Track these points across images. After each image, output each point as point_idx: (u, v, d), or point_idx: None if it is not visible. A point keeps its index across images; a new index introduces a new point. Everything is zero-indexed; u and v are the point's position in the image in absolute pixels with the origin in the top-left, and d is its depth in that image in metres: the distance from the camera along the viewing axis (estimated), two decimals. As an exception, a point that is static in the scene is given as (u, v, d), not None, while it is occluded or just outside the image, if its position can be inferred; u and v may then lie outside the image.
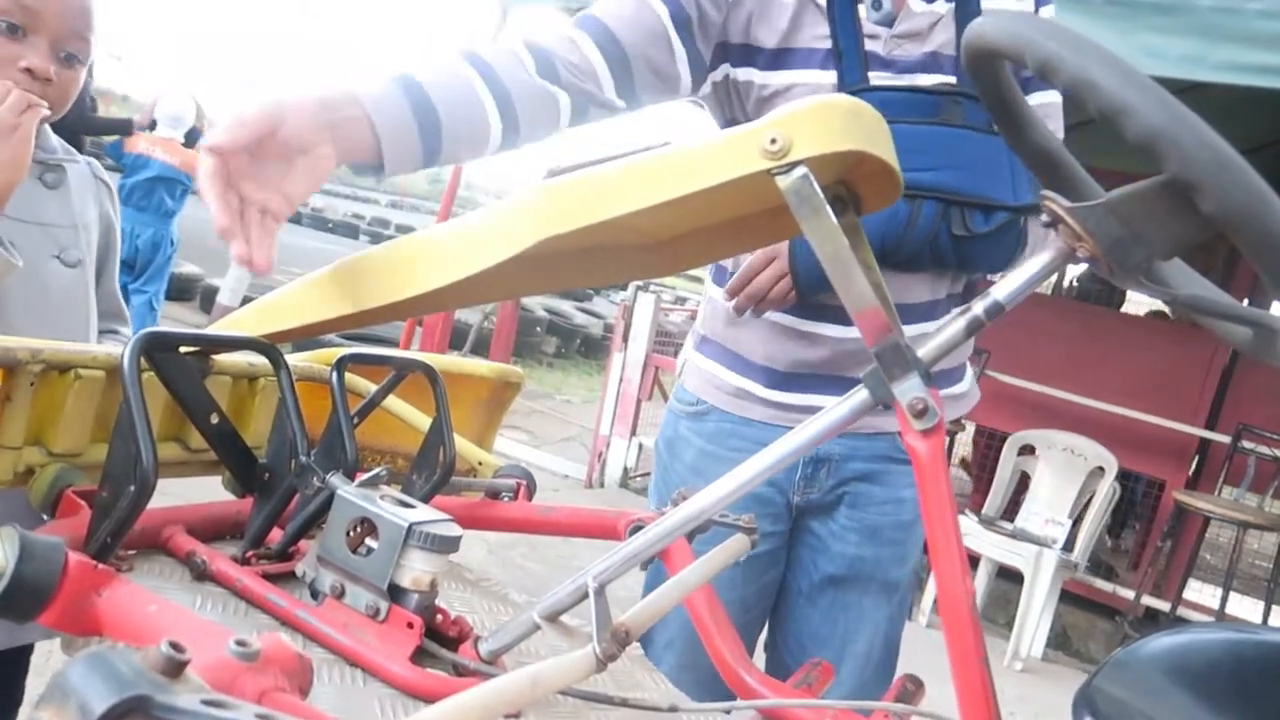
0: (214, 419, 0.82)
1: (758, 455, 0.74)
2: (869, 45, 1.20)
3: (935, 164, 1.16)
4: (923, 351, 0.70)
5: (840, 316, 1.26)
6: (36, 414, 0.81)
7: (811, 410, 1.26)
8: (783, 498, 1.37)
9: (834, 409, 0.72)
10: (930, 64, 1.20)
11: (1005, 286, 0.70)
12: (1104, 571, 4.60)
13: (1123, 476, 4.21)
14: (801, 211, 0.64)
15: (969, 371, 1.43)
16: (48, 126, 1.15)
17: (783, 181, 0.63)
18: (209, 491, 0.98)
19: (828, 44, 1.19)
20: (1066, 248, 0.67)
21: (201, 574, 0.82)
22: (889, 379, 0.69)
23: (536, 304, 9.35)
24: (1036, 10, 1.25)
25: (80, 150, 1.26)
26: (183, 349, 0.80)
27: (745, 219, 0.81)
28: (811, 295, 1.24)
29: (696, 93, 1.28)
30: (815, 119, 0.63)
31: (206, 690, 0.45)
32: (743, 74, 1.24)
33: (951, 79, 1.20)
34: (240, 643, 0.51)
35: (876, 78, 1.19)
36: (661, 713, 0.80)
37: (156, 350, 0.75)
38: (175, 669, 0.44)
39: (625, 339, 5.32)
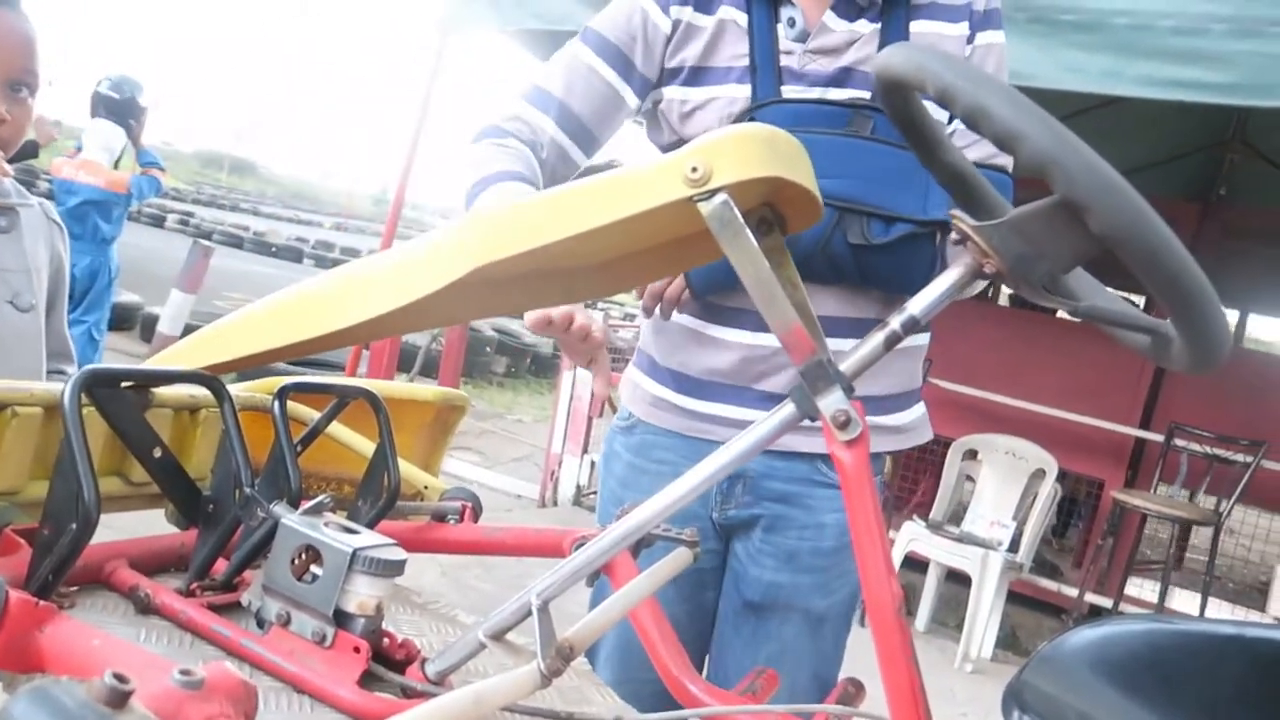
0: (157, 453, 0.83)
1: (692, 470, 0.76)
2: (784, 60, 1.23)
3: (834, 172, 1.15)
4: (844, 366, 0.74)
5: (745, 321, 1.27)
6: (-28, 453, 0.81)
7: (722, 421, 1.30)
8: (705, 513, 1.35)
9: (762, 423, 0.75)
10: (843, 78, 1.23)
11: (919, 301, 0.73)
12: (1049, 571, 4.70)
13: (1063, 477, 4.32)
14: (723, 236, 0.67)
15: (920, 407, 1.39)
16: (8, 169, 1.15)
17: (704, 208, 0.66)
18: (151, 525, 0.98)
19: (745, 61, 1.24)
20: (974, 263, 0.71)
21: (146, 608, 0.82)
22: (813, 393, 0.72)
23: (485, 324, 9.32)
24: (973, 36, 1.26)
25: None
26: (125, 384, 0.80)
27: (679, 241, 0.84)
28: (704, 292, 1.28)
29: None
30: (733, 148, 0.66)
31: (151, 717, 0.47)
32: (668, 93, 1.30)
33: (865, 94, 1.22)
34: (184, 672, 0.52)
35: (789, 91, 1.23)
36: (607, 724, 0.82)
37: (97, 386, 0.75)
38: (119, 700, 0.46)
39: (574, 357, 5.33)
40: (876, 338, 0.73)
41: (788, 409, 0.74)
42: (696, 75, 1.27)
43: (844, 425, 0.71)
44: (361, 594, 0.78)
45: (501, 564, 3.75)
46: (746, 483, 1.32)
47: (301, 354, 0.87)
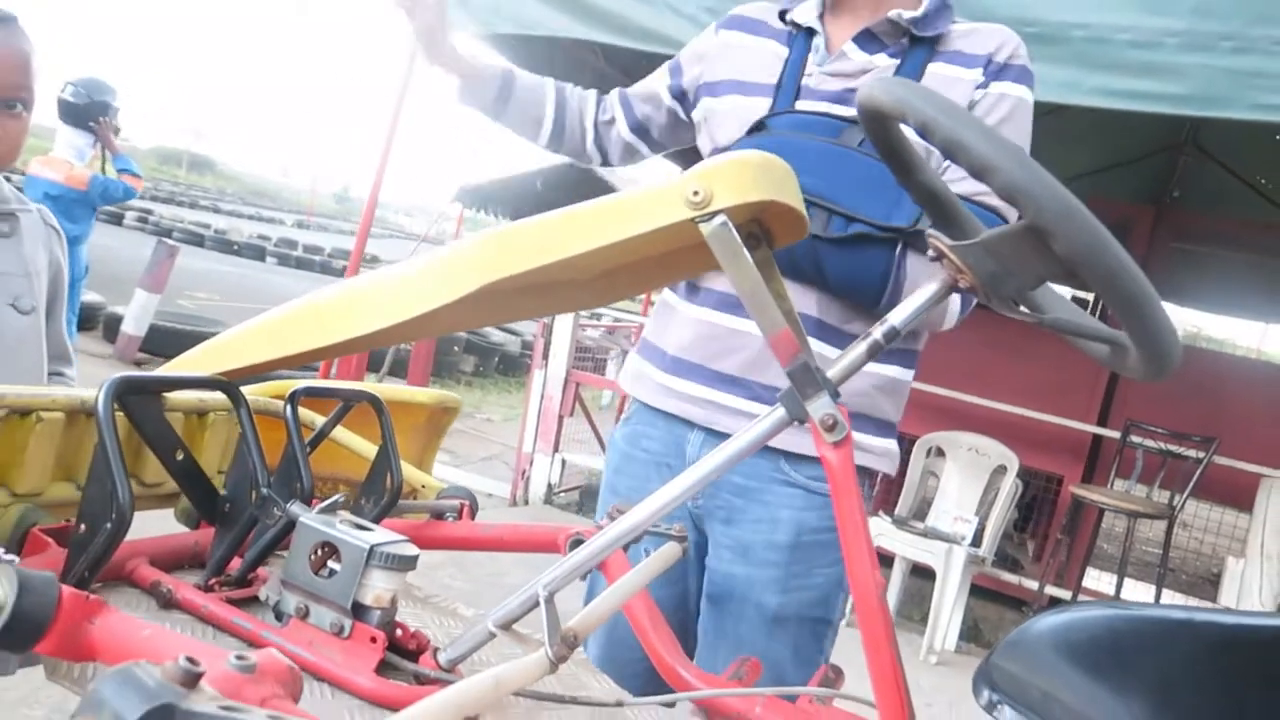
0: (178, 455, 0.87)
1: (686, 471, 0.82)
2: (803, 80, 1.36)
3: (808, 169, 1.19)
4: (831, 372, 0.80)
5: (708, 299, 1.37)
6: (0, 457, 0.85)
7: (692, 399, 1.37)
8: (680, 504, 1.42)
9: (755, 424, 0.81)
10: (846, 98, 1.32)
11: (899, 313, 0.80)
12: (1010, 564, 4.83)
13: (1025, 473, 4.44)
14: (722, 254, 0.73)
15: (893, 444, 1.43)
16: (1, 178, 1.17)
17: (705, 228, 0.72)
18: (154, 525, 1.01)
19: (774, 79, 1.37)
20: (950, 279, 0.77)
21: (168, 602, 0.86)
22: (802, 398, 0.78)
23: (453, 323, 9.33)
24: (986, 84, 1.32)
25: None
26: (150, 391, 0.84)
27: (674, 253, 0.89)
28: None
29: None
30: (732, 173, 0.72)
31: (220, 698, 0.52)
32: (703, 105, 1.47)
33: None
34: (240, 657, 0.57)
35: (801, 104, 1.34)
36: (609, 707, 0.87)
37: (127, 394, 0.80)
38: (192, 680, 0.51)
39: (545, 356, 5.37)
40: (860, 348, 0.80)
41: (779, 412, 0.80)
42: (726, 87, 1.42)
43: (831, 428, 0.77)
44: (378, 587, 0.83)
45: (475, 562, 3.78)
46: None
47: (316, 359, 0.91)
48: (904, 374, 1.40)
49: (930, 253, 0.77)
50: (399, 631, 0.88)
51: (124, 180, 4.63)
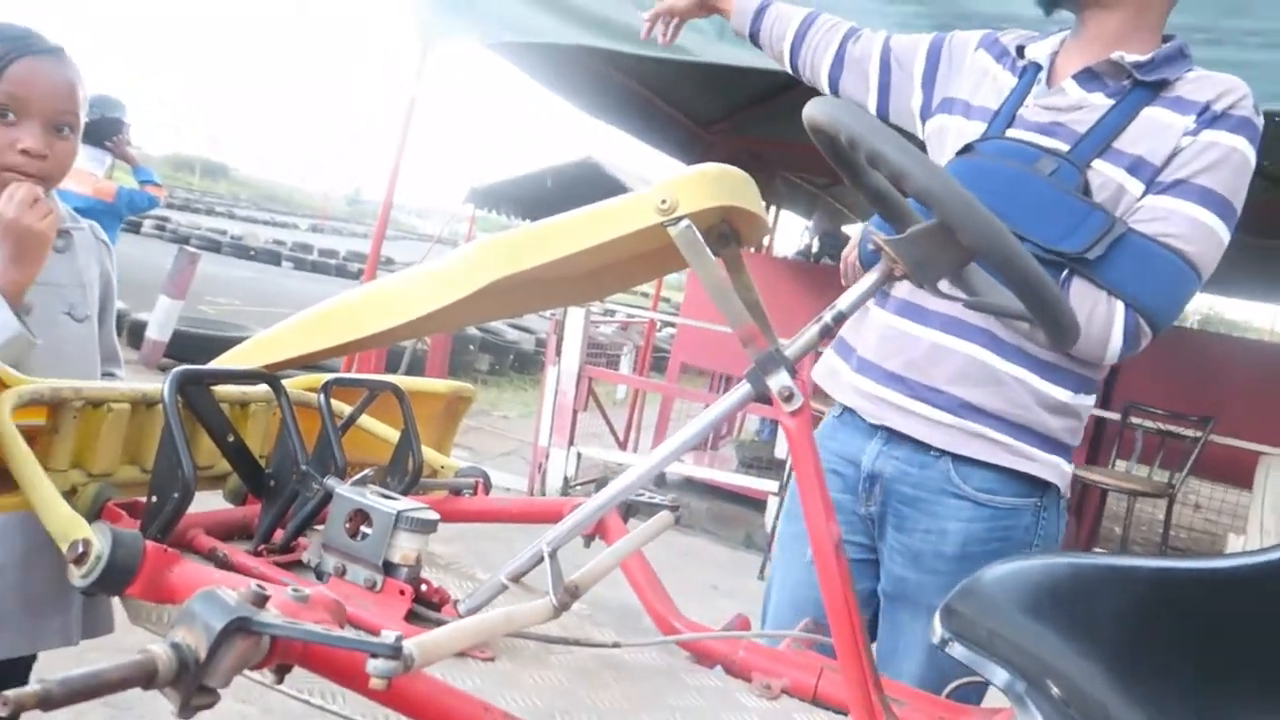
0: (230, 438, 1.00)
1: (666, 441, 0.95)
2: (1020, 110, 1.40)
3: (992, 192, 1.21)
4: (789, 351, 0.92)
5: (891, 305, 1.41)
6: (78, 442, 0.99)
7: (866, 395, 1.43)
8: (851, 508, 1.46)
9: (725, 398, 0.94)
10: (1050, 129, 1.35)
11: (846, 298, 0.92)
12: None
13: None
14: (688, 253, 0.85)
15: (1062, 457, 1.42)
16: (55, 195, 1.31)
17: (672, 231, 0.85)
18: (211, 504, 1.15)
19: (995, 104, 1.42)
20: (887, 267, 0.90)
21: (223, 565, 1.00)
22: (764, 374, 0.91)
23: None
24: (1197, 131, 1.30)
25: None
26: (204, 382, 0.98)
27: (654, 253, 1.02)
28: (870, 265, 1.51)
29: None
30: (693, 183, 0.85)
31: (282, 616, 0.65)
32: (937, 119, 1.54)
33: (1063, 145, 1.33)
34: (296, 590, 0.70)
35: (1011, 132, 1.38)
36: (606, 647, 1.00)
37: (186, 384, 0.93)
38: (261, 601, 0.64)
39: (558, 352, 5.50)
40: (812, 329, 0.92)
41: (745, 388, 0.93)
42: (951, 106, 1.49)
43: (788, 399, 0.89)
44: (404, 547, 0.97)
45: (491, 552, 3.93)
46: (881, 484, 1.43)
47: (347, 353, 1.05)
48: (1075, 398, 1.37)
49: (870, 245, 0.90)
50: (424, 587, 1.01)
51: (147, 190, 4.79)
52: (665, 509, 1.25)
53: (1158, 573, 1.11)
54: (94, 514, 0.98)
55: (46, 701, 0.51)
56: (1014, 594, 1.09)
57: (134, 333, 7.28)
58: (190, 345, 6.62)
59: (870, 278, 0.91)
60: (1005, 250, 0.73)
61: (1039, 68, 1.41)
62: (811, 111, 0.87)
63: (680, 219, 0.84)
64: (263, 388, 1.10)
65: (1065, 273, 1.29)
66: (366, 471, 1.02)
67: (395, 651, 0.63)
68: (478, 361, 9.50)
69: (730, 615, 1.24)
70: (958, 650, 1.03)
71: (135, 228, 19.15)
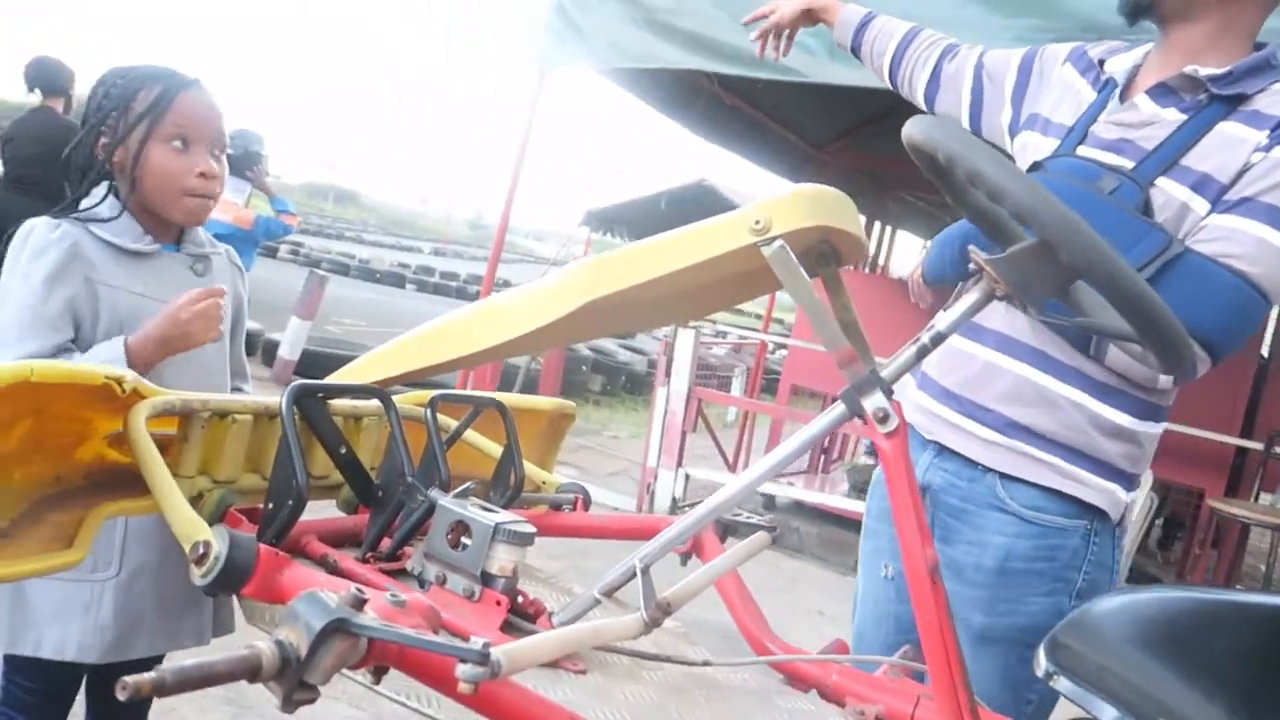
0: (342, 449, 1.05)
1: (759, 461, 0.95)
2: (1093, 127, 1.36)
3: None
4: (885, 373, 0.91)
5: (978, 335, 1.38)
6: (205, 451, 1.05)
7: (924, 411, 1.43)
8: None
9: (819, 419, 0.93)
10: (1116, 147, 1.31)
11: (946, 318, 0.91)
12: (1149, 584, 4.68)
13: (1162, 488, 4.30)
14: (781, 273, 0.86)
15: (1119, 484, 1.38)
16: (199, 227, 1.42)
17: (766, 251, 0.85)
18: (325, 513, 1.21)
19: (1072, 120, 1.39)
20: (989, 287, 0.88)
21: (333, 570, 1.04)
22: (860, 395, 0.90)
23: (581, 344, 9.63)
24: (1270, 147, 1.23)
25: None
26: (319, 396, 1.03)
27: (750, 272, 1.02)
28: (932, 280, 1.53)
29: None
30: (787, 204, 0.85)
31: (380, 619, 0.68)
32: (1022, 136, 1.49)
33: (1128, 163, 1.29)
34: (394, 595, 0.73)
35: (1081, 149, 1.35)
36: (696, 665, 1.00)
37: (303, 398, 0.98)
38: (359, 604, 0.67)
39: (667, 374, 5.53)
40: (910, 350, 0.91)
41: (839, 409, 0.92)
42: (1031, 121, 1.47)
43: (883, 420, 0.88)
44: (502, 559, 0.99)
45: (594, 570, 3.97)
46: (931, 496, 1.42)
47: (449, 370, 1.08)
48: (1135, 423, 1.33)
49: (971, 265, 0.88)
50: (520, 598, 1.04)
51: (282, 219, 5.09)
52: (763, 529, 1.24)
53: (1289, 612, 1.04)
54: (217, 518, 1.04)
55: (161, 689, 0.55)
56: (1126, 628, 1.04)
57: (267, 351, 7.68)
58: (318, 363, 6.93)
59: (971, 297, 0.89)
60: (1109, 269, 0.71)
61: (1116, 83, 1.37)
62: (910, 130, 0.86)
63: (774, 239, 0.85)
64: (374, 402, 1.15)
65: None
66: (468, 484, 1.05)
67: (483, 658, 0.65)
68: (590, 382, 9.62)
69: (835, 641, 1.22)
70: (1064, 684, 1.00)
71: (271, 252, 20.22)
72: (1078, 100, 1.41)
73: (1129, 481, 1.37)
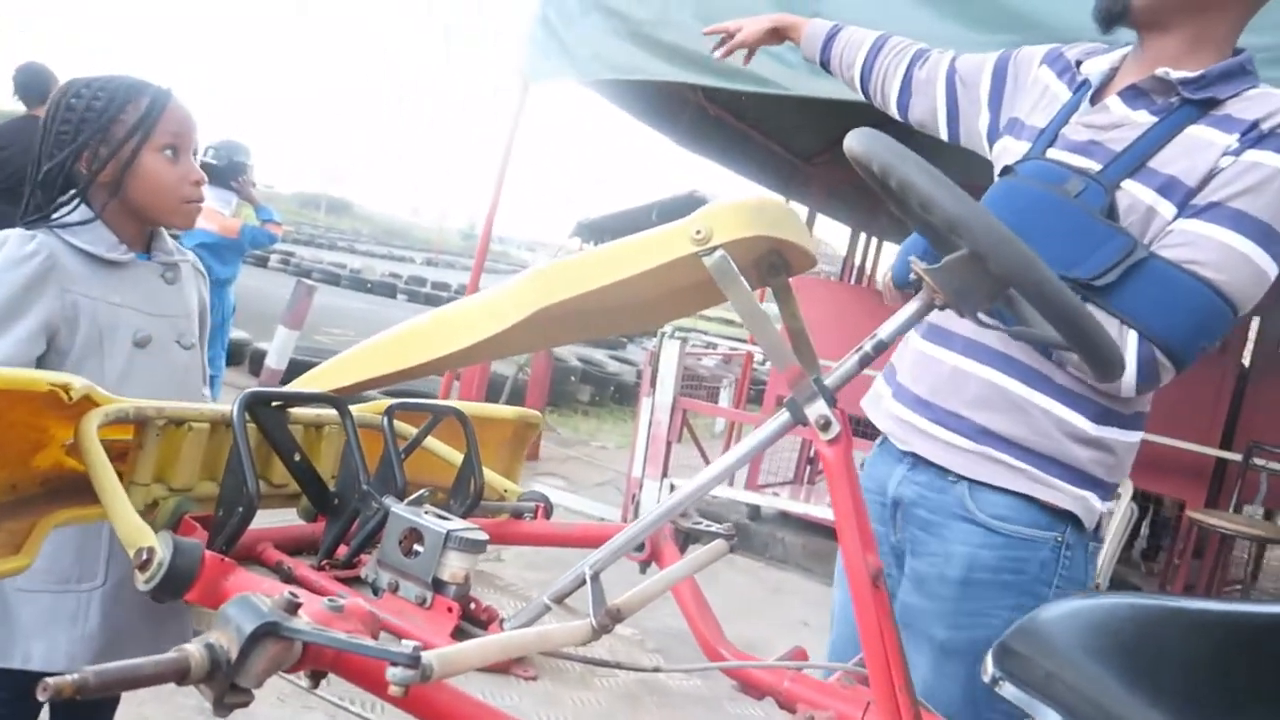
0: (296, 457, 1.06)
1: (709, 466, 0.96)
2: (1064, 129, 1.35)
3: (1013, 213, 1.20)
4: (829, 380, 0.92)
5: (920, 328, 1.38)
6: (160, 458, 1.06)
7: (897, 419, 1.40)
8: (885, 538, 1.44)
9: (765, 426, 0.94)
10: (1085, 149, 1.30)
11: (887, 327, 0.92)
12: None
13: (1143, 499, 4.31)
14: (723, 282, 0.87)
15: (1091, 490, 1.35)
16: (164, 230, 1.43)
17: (707, 261, 0.86)
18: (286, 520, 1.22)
19: (1044, 123, 1.38)
20: (929, 296, 0.89)
21: (288, 578, 1.05)
22: (803, 403, 0.91)
23: (570, 354, 9.64)
24: (1240, 150, 1.22)
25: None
26: (273, 404, 1.04)
27: (697, 284, 1.04)
28: (900, 286, 1.56)
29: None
30: (728, 213, 0.86)
31: (314, 624, 0.69)
32: (1000, 142, 1.49)
33: (1096, 165, 1.28)
34: (332, 600, 0.74)
35: (1051, 152, 1.33)
36: (647, 671, 1.01)
37: (256, 405, 0.99)
38: (293, 608, 0.68)
39: (653, 384, 5.54)
40: (852, 358, 0.92)
41: (783, 416, 0.93)
42: (1009, 126, 1.45)
43: (825, 427, 0.89)
44: (453, 566, 1.00)
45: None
46: (903, 509, 1.41)
47: (405, 379, 1.09)
48: (1105, 430, 1.31)
49: (912, 275, 0.89)
50: (473, 605, 1.04)
51: (268, 228, 5.11)
52: (721, 536, 1.25)
53: (1232, 617, 1.05)
54: (173, 525, 1.05)
55: (83, 689, 0.55)
56: (1074, 634, 1.05)
57: (255, 361, 7.67)
58: (304, 373, 6.91)
59: (912, 306, 0.90)
60: (1035, 279, 0.72)
61: (1090, 85, 1.35)
62: (849, 142, 0.87)
63: (715, 249, 0.86)
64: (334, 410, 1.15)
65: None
66: (422, 492, 1.06)
67: (413, 660, 0.66)
68: (578, 392, 9.62)
69: (821, 652, 1.22)
70: (1009, 690, 1.00)
71: (261, 262, 20.20)
72: (1053, 102, 1.40)
73: (1104, 490, 1.35)
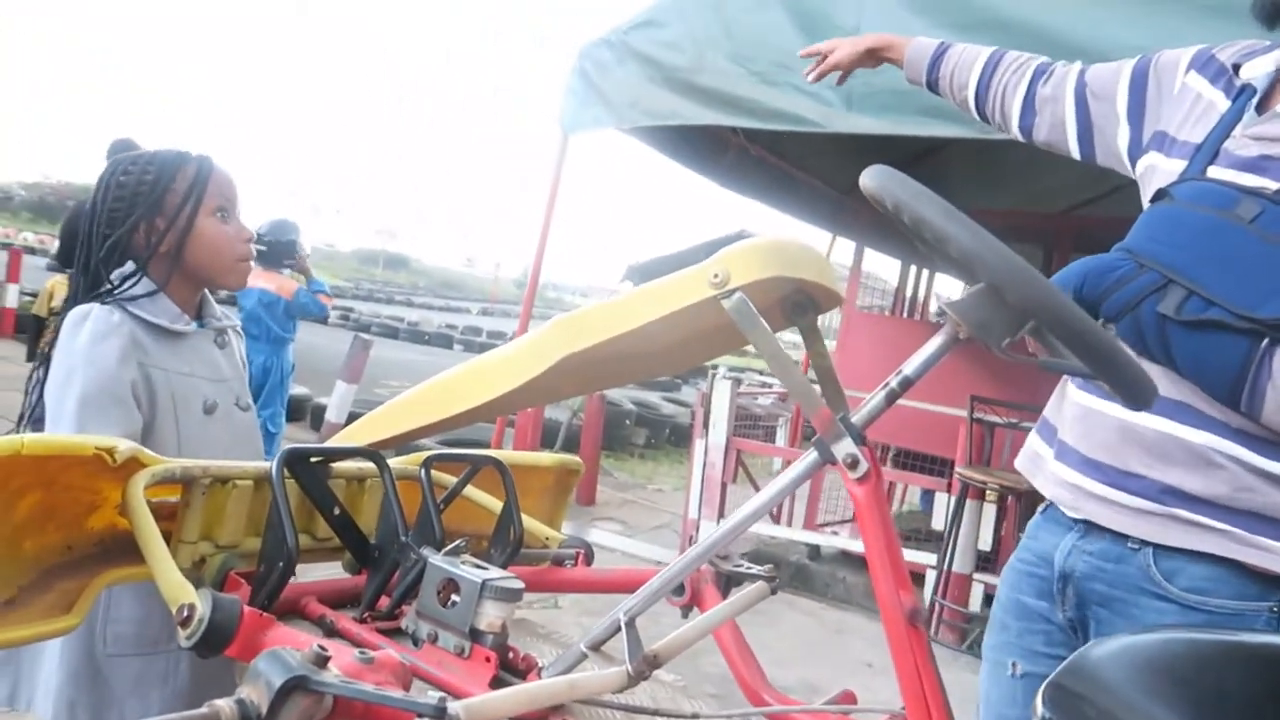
0: (336, 511, 1.08)
1: (737, 509, 0.95)
2: (1226, 143, 1.18)
3: (1178, 244, 1.11)
4: (856, 418, 0.92)
5: (1075, 379, 1.23)
6: (206, 516, 1.09)
7: (1072, 488, 1.20)
8: (1048, 615, 1.27)
9: (794, 466, 0.94)
10: (1256, 165, 1.14)
11: (912, 363, 0.91)
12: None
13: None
14: (743, 325, 0.87)
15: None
16: (210, 296, 1.49)
17: (726, 304, 0.87)
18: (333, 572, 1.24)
19: (1200, 137, 1.21)
20: (953, 330, 0.88)
21: (330, 631, 1.07)
22: (830, 442, 0.91)
23: (624, 397, 9.65)
24: None
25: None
26: (313, 460, 1.06)
27: (720, 326, 1.04)
28: None
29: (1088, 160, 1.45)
30: (746, 256, 0.87)
31: (343, 677, 0.70)
32: (1146, 158, 1.31)
33: (1271, 184, 1.11)
34: (362, 652, 0.75)
35: (1212, 170, 1.17)
36: (687, 718, 1.00)
37: (295, 462, 1.02)
38: (322, 662, 0.69)
39: (706, 425, 5.52)
40: (879, 395, 0.91)
41: (811, 456, 0.93)
42: (1158, 142, 1.28)
43: (853, 465, 0.89)
44: (490, 615, 1.01)
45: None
46: (1073, 583, 1.23)
47: (440, 431, 1.11)
48: None
49: (935, 307, 0.89)
50: (511, 654, 1.05)
51: (319, 298, 5.35)
52: (762, 579, 1.24)
53: (1296, 652, 1.01)
54: (219, 582, 1.07)
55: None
56: (1128, 672, 1.02)
57: (315, 416, 7.83)
58: (362, 426, 7.02)
59: (937, 340, 0.90)
60: (1053, 310, 0.71)
61: (1254, 91, 1.18)
62: (864, 181, 0.88)
63: (733, 291, 0.87)
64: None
65: (1265, 343, 1.04)
66: (459, 542, 1.07)
67: (439, 712, 0.66)
68: (634, 435, 9.62)
69: (885, 694, 1.20)
70: (1059, 732, 0.97)
71: (323, 319, 20.66)
72: (1209, 112, 1.22)
73: None
